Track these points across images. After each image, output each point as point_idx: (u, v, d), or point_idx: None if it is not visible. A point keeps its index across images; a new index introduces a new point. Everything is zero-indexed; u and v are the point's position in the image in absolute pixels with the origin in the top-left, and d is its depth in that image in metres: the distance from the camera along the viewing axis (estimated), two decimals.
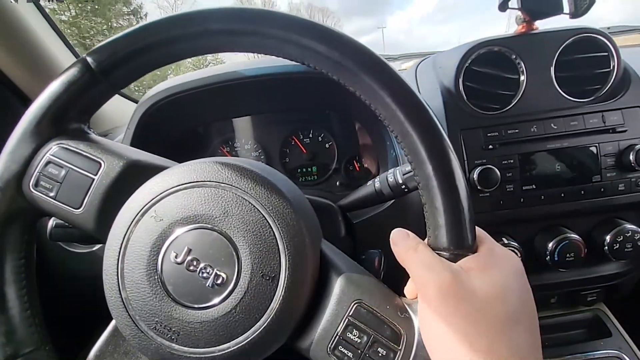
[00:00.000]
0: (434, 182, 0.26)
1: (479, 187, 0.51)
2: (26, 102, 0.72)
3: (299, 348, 0.30)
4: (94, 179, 0.32)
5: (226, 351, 0.27)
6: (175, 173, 0.31)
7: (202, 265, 0.28)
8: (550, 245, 0.54)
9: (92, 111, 0.34)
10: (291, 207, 0.29)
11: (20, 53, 0.69)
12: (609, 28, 0.94)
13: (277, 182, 0.31)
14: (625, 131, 0.53)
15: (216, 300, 0.28)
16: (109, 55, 0.30)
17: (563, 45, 0.53)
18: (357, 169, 0.75)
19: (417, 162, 0.27)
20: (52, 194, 0.32)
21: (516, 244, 0.55)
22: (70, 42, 0.79)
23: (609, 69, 0.54)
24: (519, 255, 0.54)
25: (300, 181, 0.76)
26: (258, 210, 0.29)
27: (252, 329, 0.28)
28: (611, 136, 0.53)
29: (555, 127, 0.53)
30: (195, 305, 0.28)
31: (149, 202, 0.30)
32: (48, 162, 0.32)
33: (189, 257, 0.28)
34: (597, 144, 0.53)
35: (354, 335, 0.28)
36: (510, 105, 0.55)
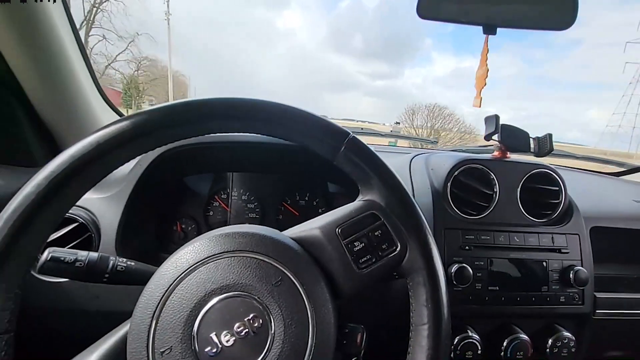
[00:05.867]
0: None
1: (454, 282, 0.59)
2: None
3: (343, 299, 0.35)
4: None
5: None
6: (141, 306, 0.30)
7: (234, 328, 0.29)
8: (505, 342, 0.62)
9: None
10: (253, 236, 0.33)
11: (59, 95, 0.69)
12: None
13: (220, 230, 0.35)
14: (568, 252, 0.65)
15: (270, 331, 0.30)
16: None
17: (527, 174, 0.67)
18: None
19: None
20: None
21: (477, 337, 0.62)
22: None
23: (557, 201, 0.67)
24: (479, 346, 0.61)
25: None
26: (228, 255, 0.32)
27: (309, 319, 0.31)
28: (557, 255, 0.65)
29: (517, 240, 0.64)
30: (263, 355, 0.29)
31: (148, 344, 0.29)
32: None
33: (222, 337, 0.29)
34: (546, 260, 0.64)
35: (358, 246, 0.35)
36: (484, 214, 0.65)
